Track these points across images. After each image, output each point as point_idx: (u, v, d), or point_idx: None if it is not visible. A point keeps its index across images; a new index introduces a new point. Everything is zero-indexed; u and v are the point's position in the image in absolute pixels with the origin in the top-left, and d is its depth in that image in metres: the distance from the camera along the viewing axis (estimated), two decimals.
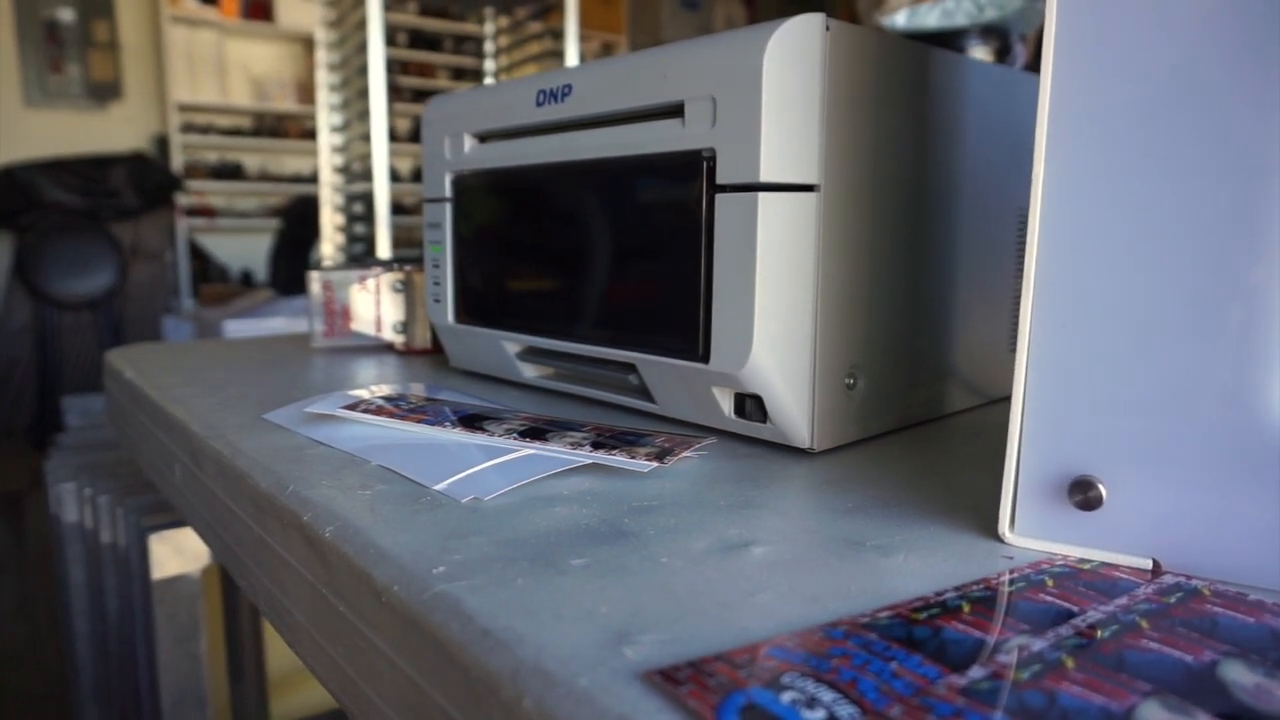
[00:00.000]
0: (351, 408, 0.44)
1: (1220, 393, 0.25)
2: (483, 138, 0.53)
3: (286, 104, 4.07)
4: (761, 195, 0.37)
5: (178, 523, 0.70)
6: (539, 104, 0.47)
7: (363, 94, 2.14)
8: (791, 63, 0.36)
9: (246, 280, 3.91)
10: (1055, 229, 0.27)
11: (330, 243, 2.43)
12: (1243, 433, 0.25)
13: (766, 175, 0.36)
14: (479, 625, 0.22)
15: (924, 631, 0.22)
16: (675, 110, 0.40)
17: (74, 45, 3.58)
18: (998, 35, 1.04)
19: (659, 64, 0.40)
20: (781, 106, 0.36)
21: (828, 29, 0.37)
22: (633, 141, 0.42)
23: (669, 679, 0.19)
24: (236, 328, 2.05)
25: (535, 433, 0.39)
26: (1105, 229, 0.27)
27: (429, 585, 0.25)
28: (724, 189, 0.38)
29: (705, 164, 0.39)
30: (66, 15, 3.57)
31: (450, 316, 0.57)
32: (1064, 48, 0.27)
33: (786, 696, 0.18)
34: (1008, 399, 0.52)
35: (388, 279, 0.69)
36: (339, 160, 2.40)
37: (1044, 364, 0.28)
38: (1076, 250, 0.27)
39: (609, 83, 0.43)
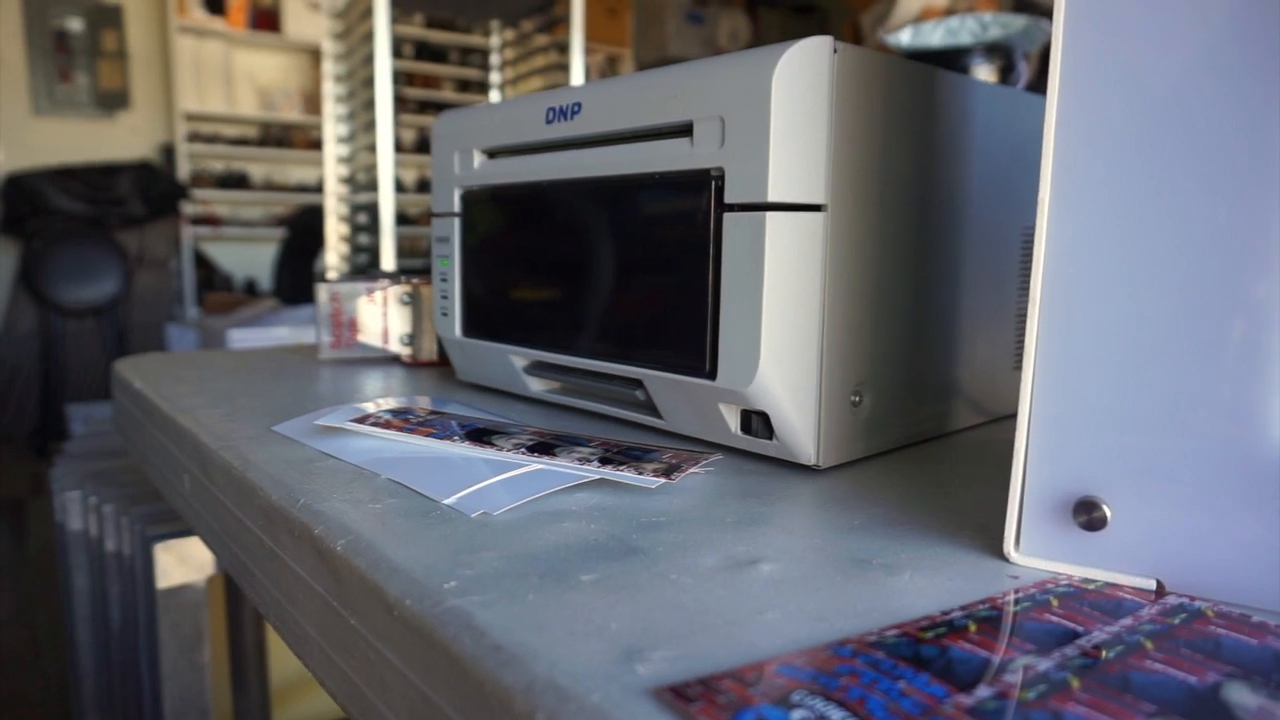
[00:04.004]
0: (360, 421, 0.44)
1: (1224, 414, 0.25)
2: (492, 153, 0.53)
3: (293, 114, 4.09)
4: (769, 215, 0.37)
5: (183, 532, 0.70)
6: (549, 121, 0.48)
7: (369, 105, 2.15)
8: (800, 84, 0.37)
9: (251, 289, 3.92)
10: (1061, 249, 0.28)
11: (335, 253, 2.44)
12: (1247, 454, 0.25)
13: (774, 195, 0.37)
14: (491, 640, 0.22)
15: (931, 650, 0.22)
16: (684, 129, 0.40)
17: (83, 55, 3.61)
18: (1001, 54, 1.05)
19: (668, 83, 0.41)
20: (789, 127, 0.37)
21: (835, 51, 0.37)
22: (642, 160, 0.42)
23: (680, 696, 0.20)
24: (241, 336, 2.06)
25: (543, 447, 0.40)
26: (1111, 249, 0.27)
27: (441, 599, 0.25)
28: (732, 208, 0.38)
29: (714, 183, 0.39)
30: (75, 25, 3.60)
31: (458, 330, 0.57)
32: (1070, 70, 0.27)
33: (797, 715, 0.19)
34: (1011, 416, 0.53)
35: (395, 291, 0.69)
36: (344, 170, 2.41)
37: (1049, 385, 0.28)
38: (1082, 271, 0.27)
39: (619, 101, 0.43)
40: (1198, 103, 0.25)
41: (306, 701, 0.77)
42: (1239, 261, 0.25)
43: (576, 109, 0.46)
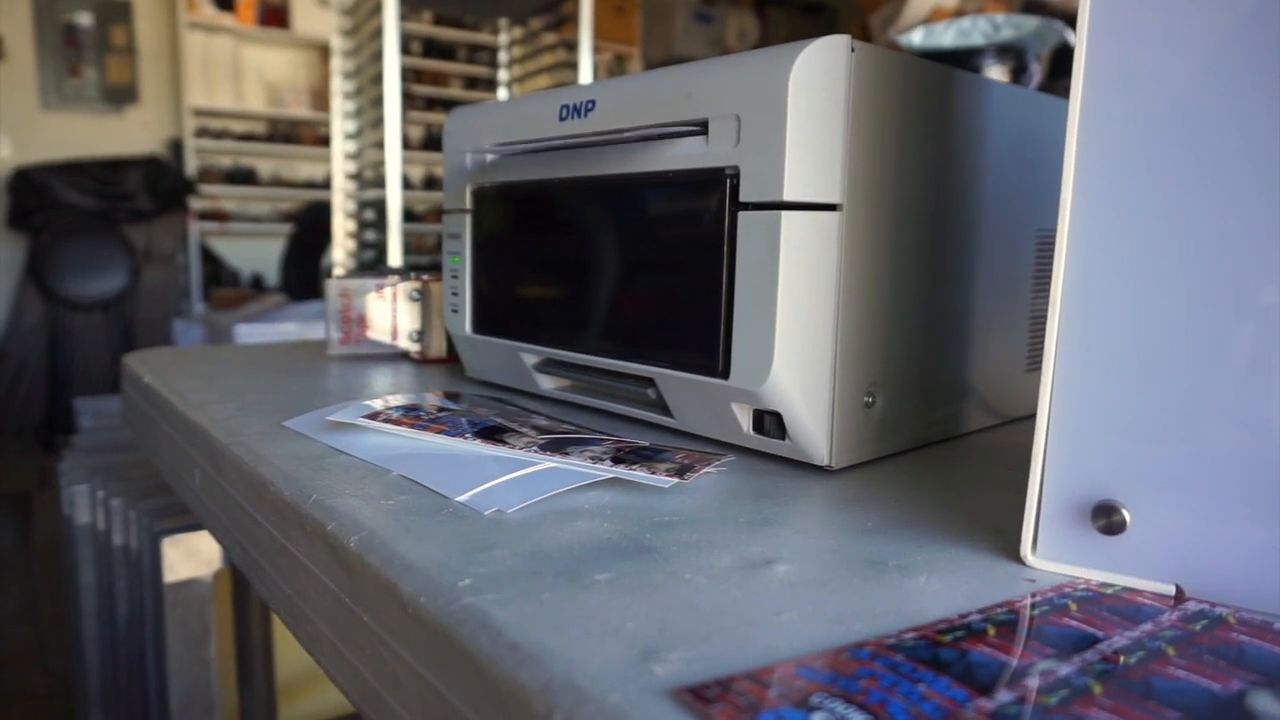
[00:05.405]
0: (371, 417, 0.44)
1: (1243, 419, 0.25)
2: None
3: (301, 110, 4.09)
4: (784, 214, 0.37)
5: (190, 526, 0.70)
6: (562, 118, 0.48)
7: (376, 102, 2.15)
8: (816, 83, 0.36)
9: (257, 284, 3.92)
10: (1082, 255, 0.27)
11: (342, 249, 2.44)
12: (1266, 459, 0.25)
13: (790, 194, 0.37)
14: (508, 639, 0.22)
15: (950, 654, 0.22)
16: (699, 128, 0.40)
17: (91, 49, 3.61)
18: (1013, 54, 1.05)
19: (683, 81, 0.41)
20: (806, 126, 0.36)
21: (853, 50, 0.37)
22: (655, 158, 0.42)
23: (699, 697, 0.20)
24: (248, 331, 2.06)
25: (555, 446, 0.40)
26: (1132, 256, 0.27)
27: (456, 597, 0.25)
28: (747, 207, 0.38)
29: (729, 182, 0.39)
30: (85, 20, 3.60)
31: (468, 327, 0.57)
32: (1091, 80, 0.27)
33: (817, 717, 0.18)
34: (1024, 419, 0.53)
35: (404, 288, 0.69)
36: (352, 167, 2.41)
37: (1068, 388, 0.28)
38: (1103, 277, 0.27)
39: (632, 99, 0.43)
40: (1219, 113, 0.25)
41: (313, 697, 0.77)
42: (1264, 268, 0.25)
43: (590, 106, 0.46)
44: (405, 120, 2.15)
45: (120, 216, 3.25)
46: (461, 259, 0.57)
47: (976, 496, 0.37)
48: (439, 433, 0.42)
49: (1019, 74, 1.05)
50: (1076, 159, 0.27)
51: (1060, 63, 1.19)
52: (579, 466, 0.37)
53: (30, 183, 3.19)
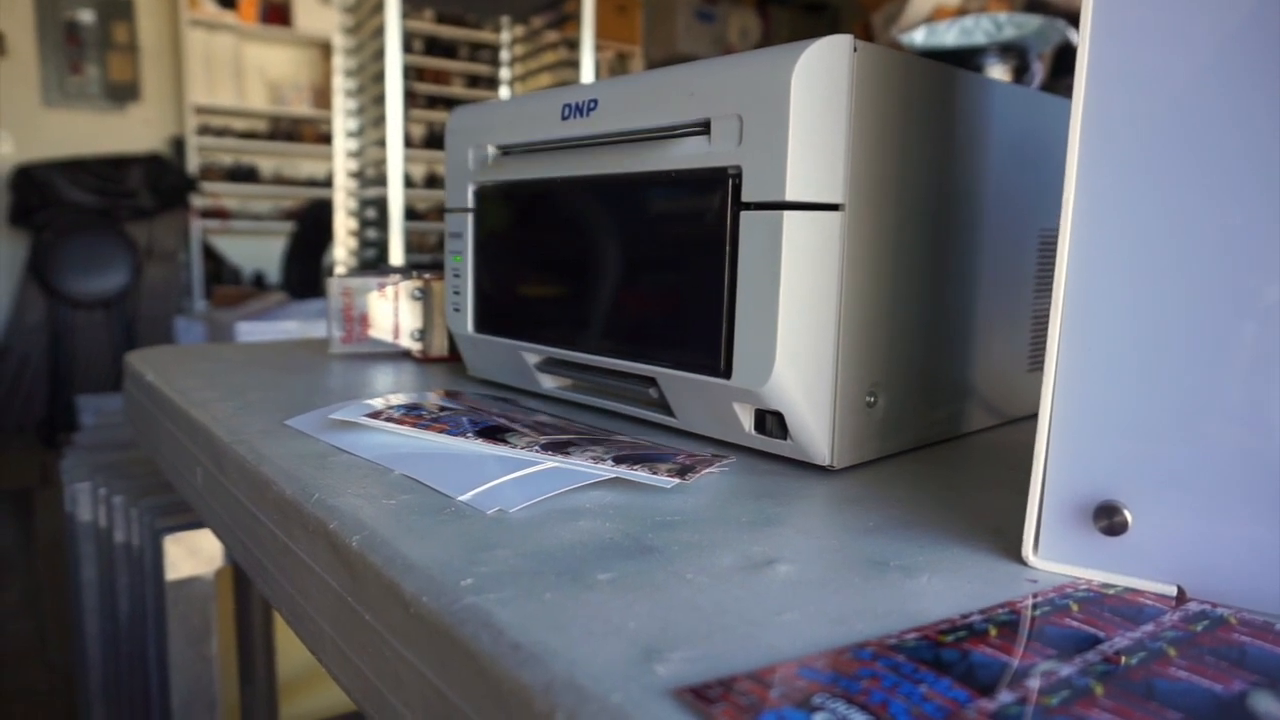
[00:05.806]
0: (373, 416, 0.44)
1: (1245, 419, 0.25)
2: (506, 150, 0.53)
3: (302, 108, 4.10)
4: (787, 214, 0.37)
5: (192, 524, 0.71)
6: (564, 118, 0.48)
7: (378, 100, 2.15)
8: (819, 83, 0.36)
9: (259, 282, 3.93)
10: (1084, 255, 0.27)
11: (343, 247, 2.44)
12: (1267, 459, 0.25)
13: (792, 194, 0.37)
14: (510, 639, 0.22)
15: (952, 654, 0.22)
16: (701, 127, 0.40)
17: (93, 47, 3.62)
18: (1015, 54, 1.05)
19: (686, 81, 0.41)
20: (808, 126, 0.36)
21: (855, 50, 0.37)
22: (658, 157, 0.42)
23: (701, 697, 0.20)
24: (249, 329, 2.07)
25: (557, 446, 0.40)
26: (1134, 253, 0.27)
27: (458, 597, 0.25)
28: (749, 206, 0.38)
29: (731, 181, 0.39)
30: (86, 17, 3.60)
31: (470, 326, 0.57)
32: (1096, 76, 0.27)
33: (819, 717, 0.19)
34: (1025, 419, 0.53)
35: (406, 287, 0.69)
36: (353, 165, 2.42)
37: (1070, 388, 0.28)
38: (1105, 276, 0.27)
39: (635, 98, 0.43)
40: (1222, 112, 0.25)
41: (314, 695, 0.77)
42: (1260, 268, 0.25)
43: (592, 105, 0.46)
44: (407, 118, 2.15)
45: (122, 214, 3.25)
46: (463, 258, 0.57)
47: (978, 496, 0.37)
48: (441, 432, 0.42)
49: (1021, 73, 1.05)
50: (1079, 158, 0.27)
51: (1063, 62, 1.19)
52: (581, 466, 0.37)
53: (32, 180, 3.19)
